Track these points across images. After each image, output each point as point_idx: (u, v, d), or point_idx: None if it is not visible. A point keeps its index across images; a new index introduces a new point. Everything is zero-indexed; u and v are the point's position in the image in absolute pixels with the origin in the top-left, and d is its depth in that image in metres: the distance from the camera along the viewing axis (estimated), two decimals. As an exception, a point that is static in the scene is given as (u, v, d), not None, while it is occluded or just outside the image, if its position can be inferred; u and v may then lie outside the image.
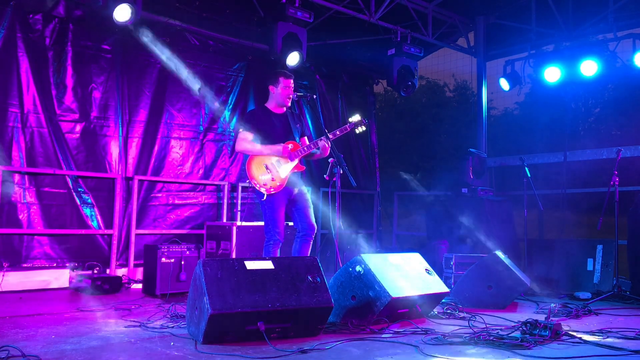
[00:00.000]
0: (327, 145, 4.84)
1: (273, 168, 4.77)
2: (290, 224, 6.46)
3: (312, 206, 5.00)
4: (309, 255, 4.75)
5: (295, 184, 4.89)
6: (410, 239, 9.00)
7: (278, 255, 4.77)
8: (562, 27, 7.92)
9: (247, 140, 4.83)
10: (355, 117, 4.93)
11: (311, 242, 4.93)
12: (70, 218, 6.16)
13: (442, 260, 6.17)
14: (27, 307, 4.65)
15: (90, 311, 4.54)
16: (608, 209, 5.76)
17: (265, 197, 4.75)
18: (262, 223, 6.31)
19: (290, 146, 4.82)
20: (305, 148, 4.85)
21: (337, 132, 4.84)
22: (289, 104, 4.95)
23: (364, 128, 4.90)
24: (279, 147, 4.78)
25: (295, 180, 4.87)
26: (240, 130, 4.91)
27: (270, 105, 4.96)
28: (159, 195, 6.82)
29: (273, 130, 4.86)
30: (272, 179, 4.73)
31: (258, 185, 4.75)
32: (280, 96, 4.87)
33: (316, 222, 4.96)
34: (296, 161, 4.81)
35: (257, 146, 4.81)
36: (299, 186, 4.93)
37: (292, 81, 4.90)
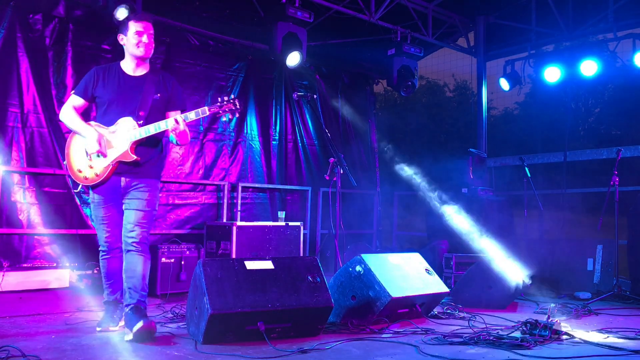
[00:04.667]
0: (179, 127, 3.59)
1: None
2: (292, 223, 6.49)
3: (143, 210, 3.70)
4: (144, 272, 3.68)
5: (128, 173, 3.72)
6: (410, 239, 9.00)
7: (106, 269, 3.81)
8: (562, 27, 7.92)
9: (72, 106, 3.74)
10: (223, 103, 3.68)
11: (134, 256, 3.65)
12: (70, 218, 6.15)
13: (442, 260, 6.17)
14: (27, 307, 4.64)
15: (90, 311, 4.53)
16: (608, 209, 5.76)
17: (79, 189, 3.83)
18: (262, 223, 6.35)
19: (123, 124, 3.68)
20: (141, 131, 3.62)
21: (195, 114, 3.62)
22: (147, 56, 3.73)
23: (229, 116, 3.71)
24: (90, 130, 3.63)
25: (128, 169, 3.70)
26: (72, 92, 3.80)
27: (125, 63, 3.79)
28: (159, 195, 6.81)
29: (114, 98, 3.69)
30: (91, 167, 3.67)
31: (72, 172, 3.76)
32: (132, 47, 3.69)
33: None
34: (125, 148, 3.64)
35: (76, 120, 3.71)
36: (132, 178, 3.73)
37: (147, 25, 3.71)
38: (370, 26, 7.80)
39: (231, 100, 3.68)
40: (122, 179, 3.71)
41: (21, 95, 5.87)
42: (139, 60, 3.77)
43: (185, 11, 6.97)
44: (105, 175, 3.66)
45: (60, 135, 6.08)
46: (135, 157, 3.64)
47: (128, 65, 3.79)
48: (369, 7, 7.42)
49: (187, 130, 3.69)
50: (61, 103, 6.10)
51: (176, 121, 3.60)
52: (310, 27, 6.95)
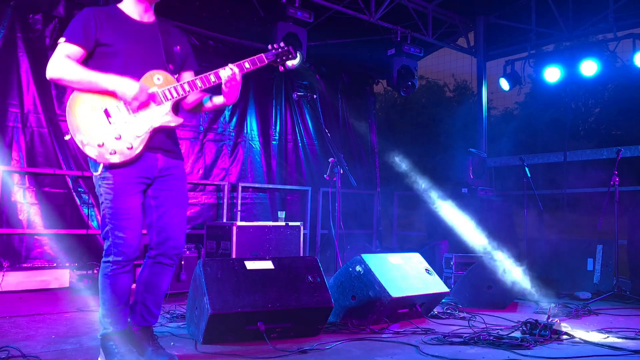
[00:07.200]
0: (235, 76, 2.83)
1: (119, 117, 2.71)
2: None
3: (185, 205, 2.98)
4: (167, 290, 3.09)
5: (164, 150, 2.85)
6: (410, 239, 9.00)
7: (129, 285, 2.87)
8: (562, 27, 7.92)
9: (67, 56, 2.68)
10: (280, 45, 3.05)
11: (171, 271, 2.96)
12: (70, 218, 6.15)
13: (442, 260, 6.17)
14: (27, 307, 4.64)
15: (90, 311, 4.53)
16: (608, 209, 5.76)
17: (100, 171, 2.70)
18: (262, 223, 6.34)
19: (157, 78, 2.78)
20: (187, 83, 2.80)
21: (251, 62, 2.91)
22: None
23: (293, 62, 3.18)
24: (128, 81, 2.67)
25: (163, 142, 2.84)
26: (61, 40, 2.72)
27: (126, 6, 2.88)
28: (159, 195, 6.80)
29: (129, 48, 2.77)
30: (118, 138, 2.69)
31: (88, 147, 2.65)
32: None
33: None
34: (167, 105, 2.78)
35: (85, 70, 2.69)
36: (169, 158, 2.88)
37: None
38: (370, 26, 7.80)
39: (285, 48, 3.00)
40: (159, 156, 2.81)
41: (21, 95, 5.87)
42: (147, 5, 2.87)
43: (185, 11, 6.97)
44: (141, 148, 2.71)
45: (60, 135, 6.08)
46: (180, 119, 2.81)
47: (132, 10, 2.86)
48: (369, 7, 7.43)
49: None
50: (61, 103, 6.11)
51: (232, 70, 2.81)
52: (310, 27, 6.95)
